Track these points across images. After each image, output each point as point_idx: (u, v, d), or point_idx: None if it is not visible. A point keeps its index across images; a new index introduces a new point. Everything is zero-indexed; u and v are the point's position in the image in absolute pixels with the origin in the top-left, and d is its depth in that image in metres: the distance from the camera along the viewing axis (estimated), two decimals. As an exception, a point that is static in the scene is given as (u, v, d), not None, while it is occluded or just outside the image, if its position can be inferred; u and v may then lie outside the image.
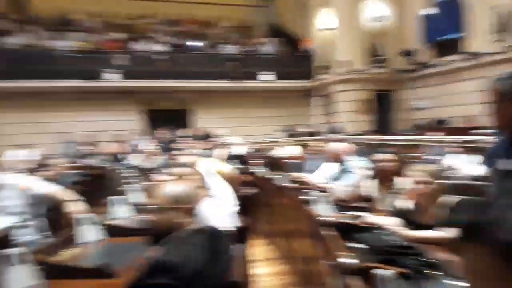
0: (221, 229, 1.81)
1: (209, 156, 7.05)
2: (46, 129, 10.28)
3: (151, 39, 12.49)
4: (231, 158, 7.66)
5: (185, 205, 1.63)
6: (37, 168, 6.65)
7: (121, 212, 3.19)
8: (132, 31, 13.12)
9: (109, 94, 11.23)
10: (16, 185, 3.13)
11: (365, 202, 3.39)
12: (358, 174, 3.92)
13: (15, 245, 2.32)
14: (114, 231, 2.67)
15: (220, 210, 2.61)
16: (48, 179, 4.01)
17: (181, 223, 1.60)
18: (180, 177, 2.64)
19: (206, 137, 10.77)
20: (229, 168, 4.68)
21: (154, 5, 14.73)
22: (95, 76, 10.74)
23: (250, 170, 5.84)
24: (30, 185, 3.18)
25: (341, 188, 3.76)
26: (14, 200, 3.07)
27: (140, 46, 12.09)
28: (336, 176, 4.32)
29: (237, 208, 2.96)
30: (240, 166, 6.45)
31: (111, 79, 10.89)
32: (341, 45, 11.54)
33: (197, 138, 10.48)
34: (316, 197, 3.30)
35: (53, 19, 13.06)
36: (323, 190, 3.72)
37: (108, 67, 10.99)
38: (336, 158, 4.26)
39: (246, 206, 3.22)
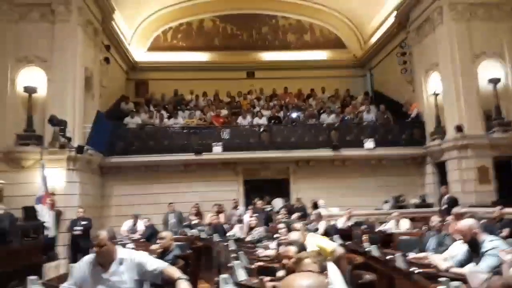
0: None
1: (312, 230, 6.70)
2: (156, 200, 10.93)
3: (252, 113, 13.08)
4: (333, 232, 7.18)
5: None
6: (147, 238, 6.96)
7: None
8: (235, 107, 13.98)
9: (213, 166, 11.76)
10: (130, 259, 3.14)
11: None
12: (500, 258, 3.24)
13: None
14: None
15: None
16: (156, 252, 4.06)
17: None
18: (299, 261, 2.36)
19: (305, 208, 10.45)
20: (334, 246, 4.28)
21: (255, 82, 15.76)
22: (202, 149, 11.40)
23: (358, 248, 5.32)
24: (142, 260, 3.17)
25: (481, 275, 3.11)
26: (127, 275, 3.06)
27: (242, 120, 12.70)
28: (467, 258, 3.67)
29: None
30: (344, 241, 5.96)
31: (216, 152, 11.44)
32: (453, 110, 10.64)
33: (297, 209, 10.21)
34: (451, 285, 2.75)
35: (167, 100, 14.60)
36: (457, 276, 3.12)
37: (214, 141, 11.61)
38: (467, 236, 3.62)
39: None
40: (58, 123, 8.89)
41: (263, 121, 12.56)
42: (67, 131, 9.03)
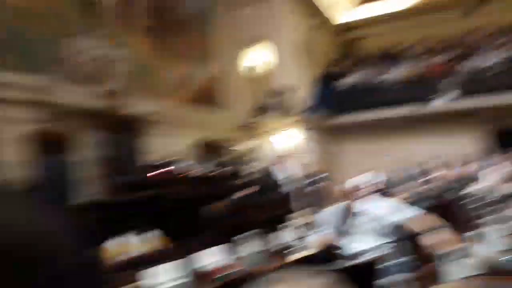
0: None
1: None
2: (382, 155, 10.71)
3: (483, 52, 11.11)
4: None
5: None
6: (383, 191, 6.91)
7: (492, 245, 2.62)
8: (460, 49, 12.10)
9: (447, 116, 10.64)
10: (369, 211, 3.17)
11: None
12: None
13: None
14: (492, 268, 2.19)
15: None
16: (404, 201, 3.97)
17: None
18: None
19: None
20: None
21: (483, 16, 13.13)
22: (426, 101, 10.55)
23: None
24: (380, 212, 3.15)
25: None
26: (367, 226, 3.10)
27: (471, 63, 10.97)
28: None
29: None
30: None
31: (449, 100, 10.44)
32: None
33: None
34: None
35: (381, 54, 13.92)
36: None
37: (438, 91, 10.54)
38: None
39: None
40: (286, 91, 9.96)
41: (501, 59, 10.50)
42: (295, 98, 9.98)
